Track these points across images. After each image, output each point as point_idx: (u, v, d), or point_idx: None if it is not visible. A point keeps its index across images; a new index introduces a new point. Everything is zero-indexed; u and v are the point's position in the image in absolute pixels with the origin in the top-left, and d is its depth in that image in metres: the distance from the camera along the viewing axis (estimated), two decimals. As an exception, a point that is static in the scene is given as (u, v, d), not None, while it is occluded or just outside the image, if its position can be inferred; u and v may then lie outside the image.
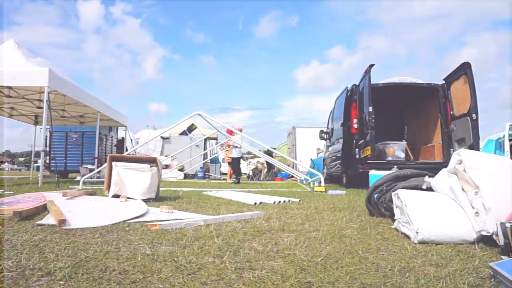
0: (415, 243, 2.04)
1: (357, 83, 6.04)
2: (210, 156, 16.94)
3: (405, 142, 6.67)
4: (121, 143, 14.57)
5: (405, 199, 2.28)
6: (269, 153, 17.87)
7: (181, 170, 13.87)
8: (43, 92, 7.03)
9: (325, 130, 8.30)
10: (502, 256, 1.73)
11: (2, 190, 5.22)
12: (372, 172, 4.85)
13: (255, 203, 3.93)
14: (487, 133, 11.86)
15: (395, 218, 2.41)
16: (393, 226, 2.47)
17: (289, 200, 4.38)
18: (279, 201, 4.22)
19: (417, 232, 2.05)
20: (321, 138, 8.30)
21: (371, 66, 5.48)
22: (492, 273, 1.40)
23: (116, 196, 4.05)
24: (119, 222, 2.55)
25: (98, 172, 9.24)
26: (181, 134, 16.82)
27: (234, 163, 10.18)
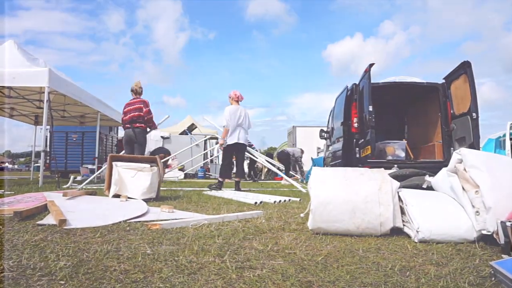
0: (415, 242, 2.04)
1: (357, 82, 6.05)
2: (211, 156, 16.93)
3: (405, 141, 6.66)
4: (121, 143, 14.56)
5: (405, 198, 2.28)
6: (269, 153, 17.88)
7: (181, 169, 13.87)
8: (43, 92, 7.03)
9: (325, 129, 8.29)
10: (502, 255, 1.73)
11: (3, 190, 5.22)
12: None
13: (256, 203, 3.93)
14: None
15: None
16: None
17: (289, 200, 4.38)
18: (280, 201, 4.22)
19: (417, 231, 2.05)
20: (321, 137, 8.28)
21: (371, 65, 5.47)
22: (492, 272, 1.40)
23: (117, 196, 4.05)
24: (120, 222, 2.56)
25: (97, 173, 9.25)
26: (182, 133, 16.83)
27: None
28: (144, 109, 5.59)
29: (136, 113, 5.58)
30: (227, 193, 5.23)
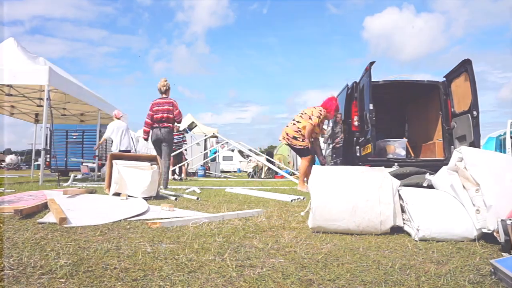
0: (416, 241, 2.04)
1: (357, 81, 6.04)
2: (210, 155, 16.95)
3: (406, 140, 6.66)
4: None
5: (406, 197, 2.28)
6: (269, 152, 17.93)
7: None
8: (44, 91, 7.03)
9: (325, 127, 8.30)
10: (502, 253, 1.73)
11: (3, 189, 5.22)
12: None
13: (292, 200, 4.06)
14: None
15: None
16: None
17: (304, 198, 4.36)
18: (292, 199, 4.19)
19: (418, 230, 2.05)
20: (322, 135, 8.29)
21: (371, 63, 5.47)
22: (492, 270, 1.40)
23: (117, 194, 4.05)
24: (120, 220, 2.56)
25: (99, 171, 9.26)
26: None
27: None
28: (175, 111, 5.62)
29: (165, 115, 5.56)
30: (243, 191, 5.25)
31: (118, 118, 7.97)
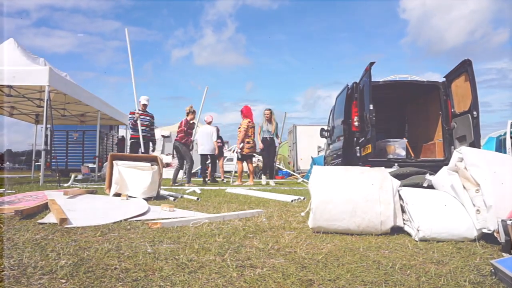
0: (416, 241, 2.04)
1: (357, 81, 6.04)
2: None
3: (406, 140, 6.66)
4: (121, 141, 14.58)
5: (406, 197, 2.28)
6: None
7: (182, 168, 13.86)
8: (44, 91, 7.04)
9: (325, 128, 8.29)
10: (503, 254, 1.74)
11: (4, 189, 5.22)
12: None
13: (292, 200, 4.06)
14: None
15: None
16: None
17: (304, 198, 4.36)
18: (293, 200, 4.19)
19: (418, 230, 2.05)
20: (322, 136, 8.28)
21: (371, 63, 5.47)
22: (493, 270, 1.40)
23: (117, 194, 4.05)
24: (120, 221, 2.56)
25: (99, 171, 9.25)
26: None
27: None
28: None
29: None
30: (241, 191, 5.28)
31: (209, 123, 9.08)
